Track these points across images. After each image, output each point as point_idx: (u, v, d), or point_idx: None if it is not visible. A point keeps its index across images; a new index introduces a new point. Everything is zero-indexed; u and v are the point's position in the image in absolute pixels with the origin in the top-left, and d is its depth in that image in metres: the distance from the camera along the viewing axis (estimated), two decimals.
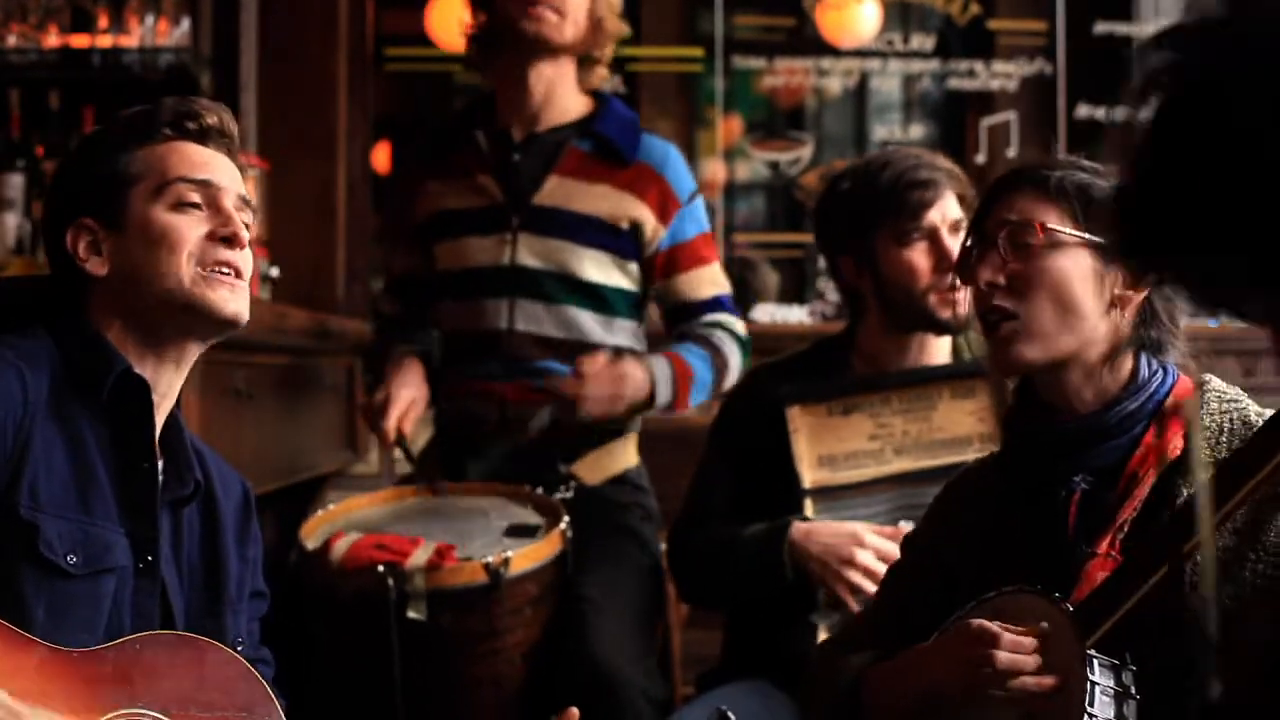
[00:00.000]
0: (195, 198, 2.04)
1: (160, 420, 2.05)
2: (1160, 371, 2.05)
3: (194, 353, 2.08)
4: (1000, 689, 1.87)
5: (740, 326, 3.25)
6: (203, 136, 2.10)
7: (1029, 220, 2.03)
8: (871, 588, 2.67)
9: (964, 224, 2.81)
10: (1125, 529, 1.95)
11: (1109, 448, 2.02)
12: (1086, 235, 2.02)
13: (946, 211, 2.80)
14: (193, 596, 2.07)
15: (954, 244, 2.79)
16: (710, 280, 3.22)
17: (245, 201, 2.09)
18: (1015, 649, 1.87)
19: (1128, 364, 2.04)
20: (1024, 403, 2.12)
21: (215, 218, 2.05)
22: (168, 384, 2.06)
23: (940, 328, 2.84)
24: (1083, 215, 2.02)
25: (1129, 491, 1.98)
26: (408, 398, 3.10)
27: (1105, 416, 2.02)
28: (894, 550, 2.69)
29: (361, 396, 4.50)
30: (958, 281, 2.19)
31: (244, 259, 2.05)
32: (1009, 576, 1.96)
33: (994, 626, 1.88)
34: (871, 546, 2.70)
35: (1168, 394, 2.04)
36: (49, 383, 1.95)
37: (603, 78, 3.29)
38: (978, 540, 2.09)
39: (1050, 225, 2.01)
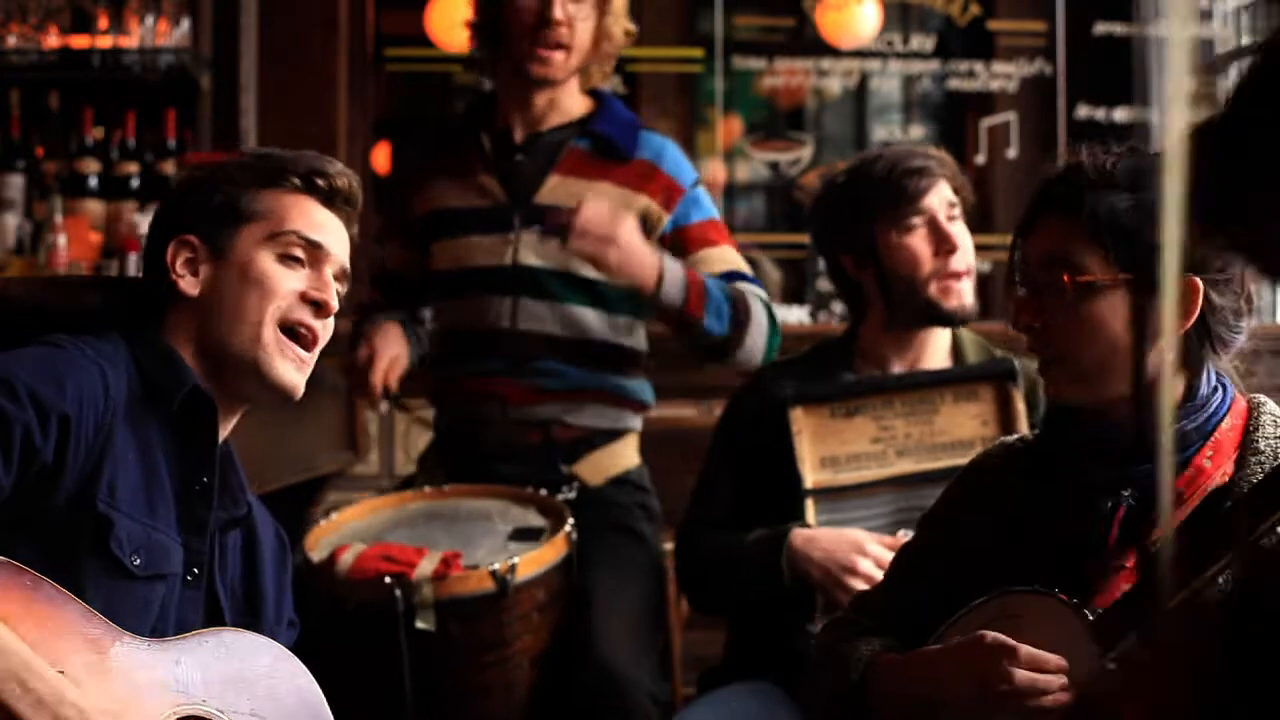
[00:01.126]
0: (301, 255, 2.10)
1: (220, 439, 2.10)
2: (1219, 390, 2.01)
3: (251, 399, 2.13)
4: (1016, 707, 1.85)
5: (765, 295, 3.15)
6: (329, 197, 2.15)
7: (1059, 264, 1.97)
8: None
9: (959, 210, 2.83)
10: (1155, 546, 1.92)
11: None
12: (1118, 276, 1.95)
13: (943, 196, 2.82)
14: (235, 616, 2.12)
15: (952, 228, 2.81)
16: (722, 259, 3.15)
17: (346, 273, 2.16)
18: (1034, 665, 1.85)
19: (1183, 381, 1.99)
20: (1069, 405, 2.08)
21: (313, 279, 2.11)
22: (226, 410, 2.11)
23: (944, 319, 2.84)
24: (1115, 251, 1.95)
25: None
26: (390, 354, 3.10)
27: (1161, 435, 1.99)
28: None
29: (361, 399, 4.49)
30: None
31: (325, 327, 2.12)
32: (1026, 573, 1.94)
33: (1011, 641, 1.86)
34: (873, 555, 2.70)
35: (1225, 415, 2.00)
36: (126, 386, 1.99)
37: (605, 76, 3.28)
38: (999, 530, 2.06)
39: (1078, 271, 1.96)
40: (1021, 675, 1.84)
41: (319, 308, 2.09)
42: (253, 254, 2.08)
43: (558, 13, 3.08)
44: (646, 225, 3.12)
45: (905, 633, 2.08)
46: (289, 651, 2.07)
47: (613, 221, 2.90)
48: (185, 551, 2.03)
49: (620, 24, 3.21)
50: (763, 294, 3.14)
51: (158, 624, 1.98)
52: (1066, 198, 2.00)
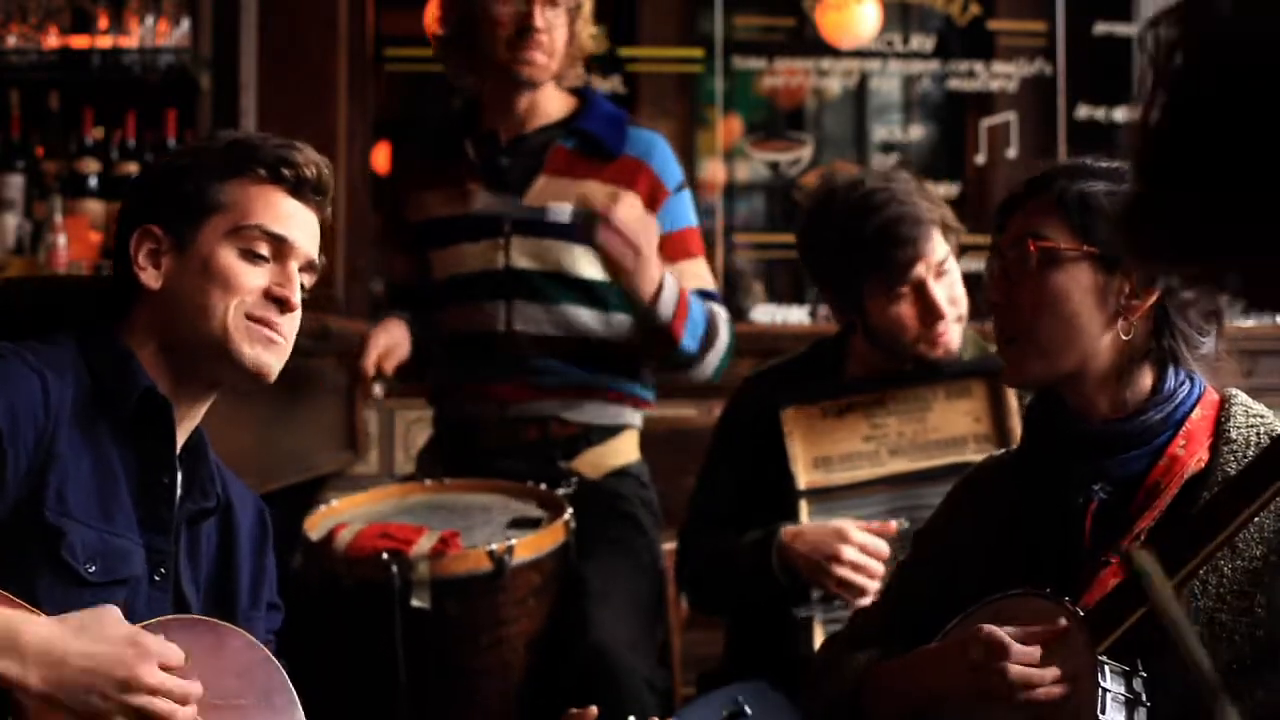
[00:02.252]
0: (265, 250, 2.05)
1: (182, 438, 2.06)
2: (1187, 383, 2.02)
3: (221, 386, 2.10)
4: (1009, 699, 1.86)
5: (727, 317, 3.21)
6: (296, 187, 2.09)
7: (1026, 237, 2.01)
8: (860, 580, 2.68)
9: (950, 259, 2.79)
10: (1142, 538, 1.93)
11: (1130, 458, 1.99)
12: (1083, 248, 1.98)
13: (932, 258, 2.76)
14: (206, 607, 2.08)
15: (940, 289, 2.76)
16: (694, 274, 3.19)
17: (313, 265, 2.10)
18: (1025, 660, 1.86)
19: (1149, 375, 2.01)
20: (1046, 402, 2.09)
21: (277, 274, 2.05)
22: (192, 403, 2.07)
23: (928, 368, 2.83)
24: (1082, 226, 1.99)
25: (1149, 502, 1.96)
26: (386, 341, 3.13)
27: (1126, 426, 2.00)
28: (881, 545, 2.70)
29: (362, 399, 4.50)
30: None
31: (290, 322, 2.06)
32: (1019, 578, 1.95)
33: (1004, 635, 1.87)
34: (856, 542, 2.71)
35: (1194, 406, 2.01)
36: (74, 391, 1.95)
37: (577, 77, 3.28)
38: (989, 539, 2.08)
39: (1043, 241, 1.99)
40: (1014, 670, 1.85)
41: (281, 303, 2.04)
42: (214, 249, 2.03)
43: (539, 21, 3.11)
44: None
45: (904, 646, 2.08)
46: (251, 639, 2.01)
47: (645, 229, 2.96)
48: (148, 552, 1.99)
49: (589, 27, 3.23)
50: (725, 314, 3.19)
51: None
52: (1039, 185, 2.04)
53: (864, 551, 2.70)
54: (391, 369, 3.14)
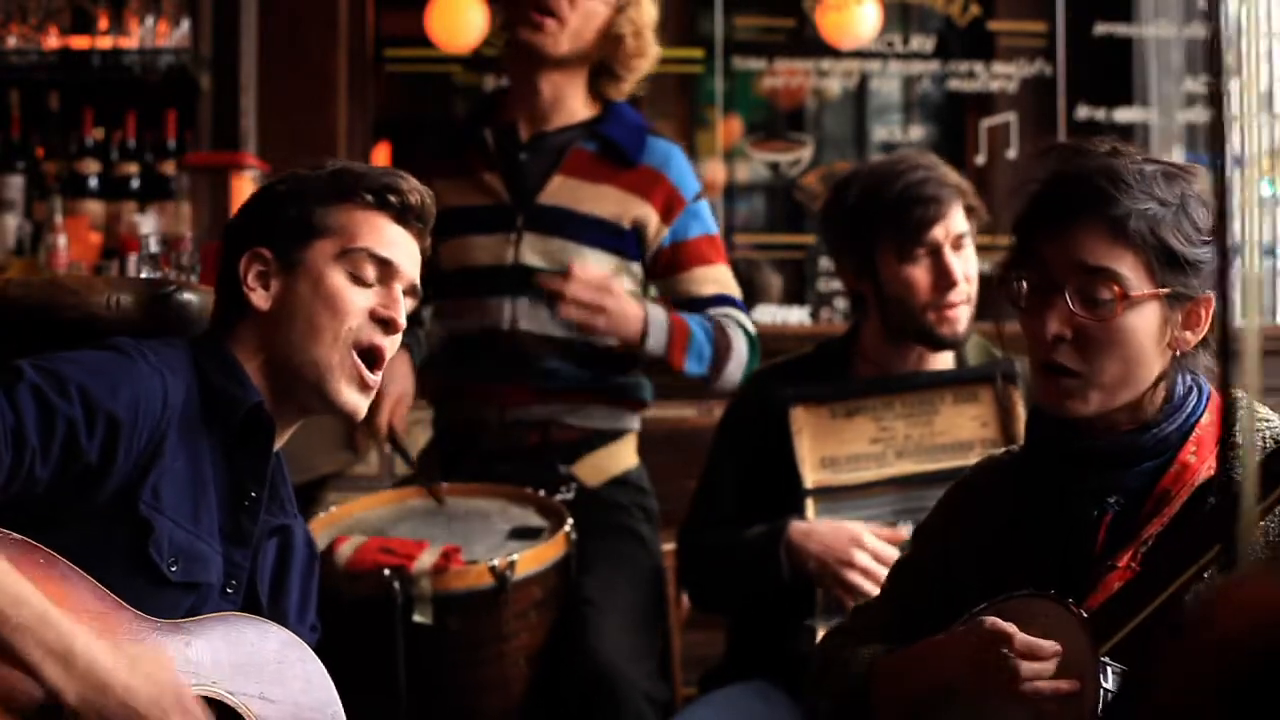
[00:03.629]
0: (371, 274, 2.11)
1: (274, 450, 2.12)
2: (1194, 388, 2.01)
3: (313, 413, 2.15)
4: (1013, 688, 1.86)
5: (749, 323, 3.18)
6: (401, 214, 2.15)
7: (1104, 275, 1.93)
8: (869, 588, 2.68)
9: (967, 238, 2.80)
10: (1149, 543, 1.93)
11: (1144, 469, 1.98)
12: (1159, 291, 1.93)
13: (951, 227, 2.80)
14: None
15: (955, 260, 2.79)
16: (714, 279, 3.17)
17: (415, 289, 2.16)
18: (1030, 651, 1.86)
19: (1164, 384, 2.00)
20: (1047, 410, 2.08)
21: (382, 297, 2.11)
22: (285, 423, 2.13)
23: (937, 344, 2.83)
24: (1156, 264, 1.93)
25: (1158, 509, 1.95)
26: (395, 393, 3.10)
27: (1142, 439, 1.98)
28: (892, 552, 2.70)
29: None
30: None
31: (393, 344, 2.12)
32: (1019, 580, 1.94)
33: (1010, 627, 1.87)
34: (870, 548, 2.71)
35: (1203, 411, 2.01)
36: (185, 396, 2.00)
37: (620, 93, 3.24)
38: (992, 540, 2.07)
39: (1130, 287, 1.92)
40: (1018, 661, 1.85)
41: (388, 325, 2.10)
42: (323, 270, 2.09)
43: None
44: (642, 236, 3.12)
45: (903, 642, 2.08)
46: (297, 638, 2.07)
47: (600, 290, 2.96)
48: (225, 563, 2.03)
49: (637, 33, 3.16)
50: (746, 321, 3.17)
51: None
52: (1104, 203, 1.94)
53: (876, 559, 2.70)
54: (403, 423, 3.12)
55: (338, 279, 2.09)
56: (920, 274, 2.79)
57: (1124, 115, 5.85)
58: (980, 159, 5.89)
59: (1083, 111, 5.84)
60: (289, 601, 2.17)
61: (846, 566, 2.70)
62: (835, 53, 5.88)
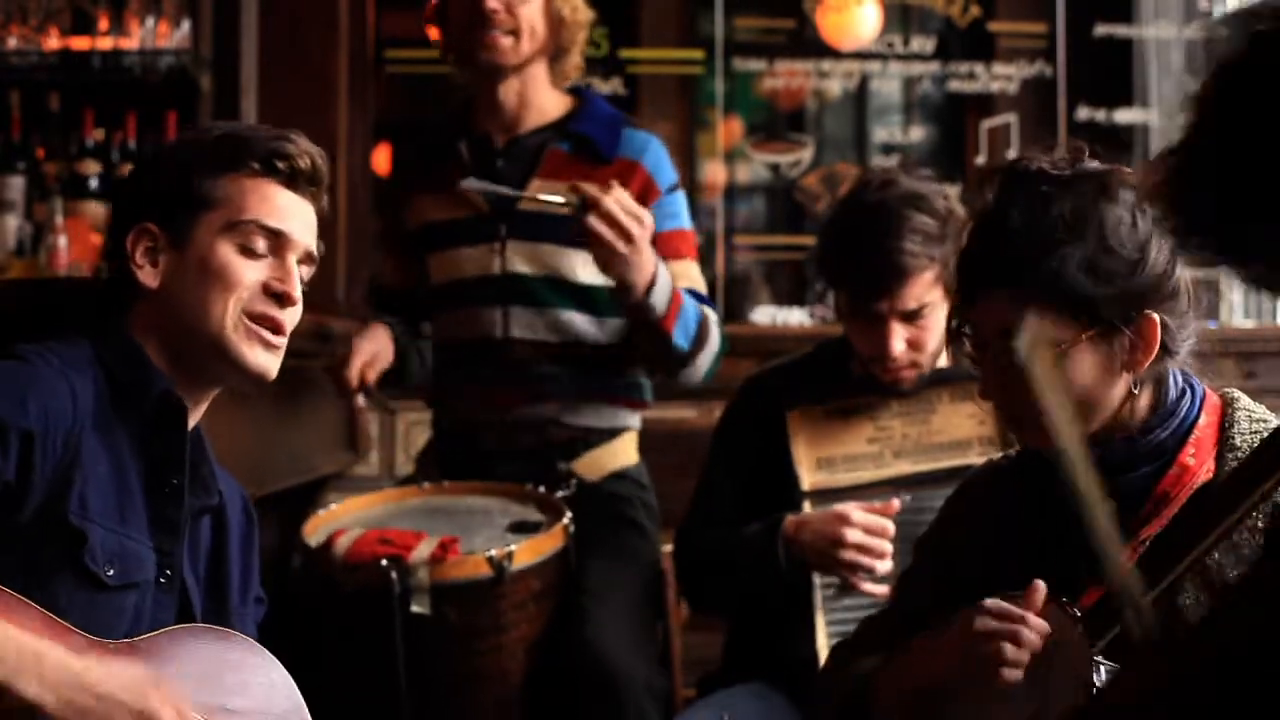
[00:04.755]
0: (262, 245, 2.04)
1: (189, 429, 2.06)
2: (1187, 391, 2.01)
3: (221, 385, 2.09)
4: (998, 679, 1.85)
5: (717, 319, 3.15)
6: (291, 179, 2.07)
7: (1013, 336, 1.93)
8: (866, 561, 2.68)
9: (929, 308, 2.74)
10: (1145, 543, 1.93)
11: (1141, 474, 1.99)
12: (1082, 335, 1.93)
13: (899, 303, 2.73)
14: (201, 604, 2.08)
15: (898, 331, 2.74)
16: (683, 274, 3.13)
17: (311, 256, 2.09)
18: (1002, 615, 1.85)
19: (1149, 392, 2.00)
20: None
21: (276, 269, 2.04)
22: (195, 401, 2.06)
23: (881, 389, 2.83)
24: (1071, 307, 1.93)
25: (1157, 511, 1.95)
26: (369, 349, 3.10)
27: (1138, 445, 1.99)
28: (885, 523, 2.70)
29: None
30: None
31: (290, 316, 2.05)
32: (1021, 584, 1.94)
33: (985, 602, 1.87)
34: (859, 523, 2.71)
35: (1199, 413, 2.01)
36: (93, 393, 1.94)
37: (577, 67, 3.23)
38: (992, 544, 2.08)
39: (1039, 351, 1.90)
40: (989, 624, 1.85)
41: (281, 298, 2.03)
42: (212, 245, 2.01)
43: (489, 1, 3.06)
44: None
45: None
46: (257, 644, 2.02)
47: (638, 217, 2.85)
48: (157, 554, 1.99)
49: (574, 6, 3.15)
50: (715, 317, 3.13)
51: (131, 629, 1.94)
52: (1006, 271, 1.95)
53: (867, 531, 2.71)
54: (374, 378, 3.11)
55: (226, 253, 2.01)
56: (862, 335, 2.79)
57: (1124, 116, 5.84)
58: (981, 160, 5.89)
59: (1083, 112, 5.84)
60: (230, 580, 2.13)
61: (839, 546, 2.71)
62: (835, 54, 5.88)
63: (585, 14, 3.20)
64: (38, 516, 1.86)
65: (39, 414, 1.85)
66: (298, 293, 2.05)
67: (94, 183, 4.53)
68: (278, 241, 2.04)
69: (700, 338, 3.04)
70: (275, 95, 4.84)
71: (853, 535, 2.70)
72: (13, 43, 4.58)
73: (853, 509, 2.73)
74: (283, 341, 2.05)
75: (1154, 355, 1.96)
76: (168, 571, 2.00)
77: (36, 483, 1.85)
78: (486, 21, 3.07)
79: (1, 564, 1.80)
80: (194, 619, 2.04)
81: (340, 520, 2.93)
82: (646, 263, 2.89)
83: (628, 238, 2.83)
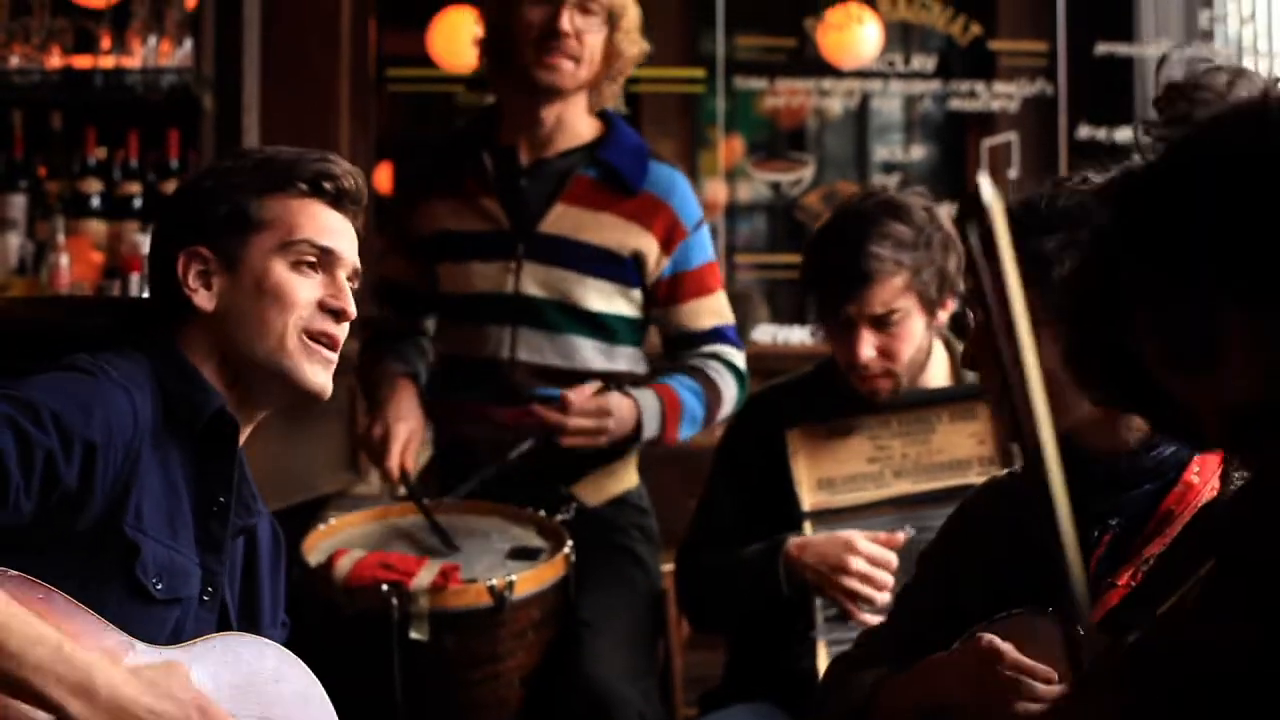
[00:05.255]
0: (314, 261, 2.08)
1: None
2: None
3: (276, 405, 2.13)
4: (1011, 708, 1.85)
5: (739, 359, 3.20)
6: (336, 200, 2.12)
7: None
8: (867, 591, 2.68)
9: (900, 314, 2.76)
10: (1149, 562, 1.93)
11: (1144, 491, 1.98)
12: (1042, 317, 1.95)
13: (868, 306, 2.74)
14: (237, 626, 2.11)
15: (867, 338, 2.75)
16: (711, 310, 3.18)
17: (357, 273, 2.13)
18: (1019, 670, 1.85)
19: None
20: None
21: (328, 286, 2.08)
22: (245, 422, 2.10)
23: (861, 402, 2.83)
24: (1042, 290, 1.87)
25: (1160, 529, 1.95)
26: (405, 431, 3.08)
27: (1141, 461, 1.98)
28: (888, 556, 2.70)
29: (361, 419, 4.49)
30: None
31: (344, 331, 2.09)
32: (1021, 600, 1.94)
33: (1005, 646, 1.87)
34: (864, 553, 2.71)
35: None
36: (151, 408, 1.97)
37: (614, 95, 3.24)
38: (994, 561, 2.07)
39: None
40: (1008, 678, 1.84)
41: (338, 315, 2.07)
42: (266, 265, 2.05)
43: (565, 24, 3.06)
44: (642, 266, 3.11)
45: (909, 666, 2.08)
46: (291, 654, 2.05)
47: (598, 414, 3.00)
48: (202, 571, 2.02)
49: (633, 41, 3.17)
50: (736, 357, 3.19)
51: (171, 643, 1.96)
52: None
53: (871, 562, 2.70)
54: (413, 461, 3.10)
55: (281, 272, 2.05)
56: (835, 341, 2.81)
57: (1125, 135, 5.85)
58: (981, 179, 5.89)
59: (1084, 131, 5.84)
60: (262, 601, 2.16)
61: (842, 573, 2.70)
62: (837, 72, 5.89)
63: (642, 48, 3.21)
64: (94, 525, 1.89)
65: (102, 426, 1.88)
66: (353, 308, 2.09)
67: (96, 201, 4.53)
68: (328, 259, 2.09)
69: (710, 412, 3.14)
70: (277, 114, 4.85)
71: (857, 564, 2.70)
72: (15, 61, 4.58)
73: (859, 537, 2.72)
74: (336, 359, 2.09)
75: None
76: (210, 589, 2.03)
77: (96, 492, 1.88)
78: (557, 42, 3.07)
79: (56, 569, 1.83)
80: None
81: (340, 537, 2.92)
82: (626, 423, 3.03)
83: (601, 432, 3.01)
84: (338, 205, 2.12)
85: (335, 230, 2.10)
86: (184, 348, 2.06)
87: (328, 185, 2.10)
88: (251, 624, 2.13)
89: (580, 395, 3.01)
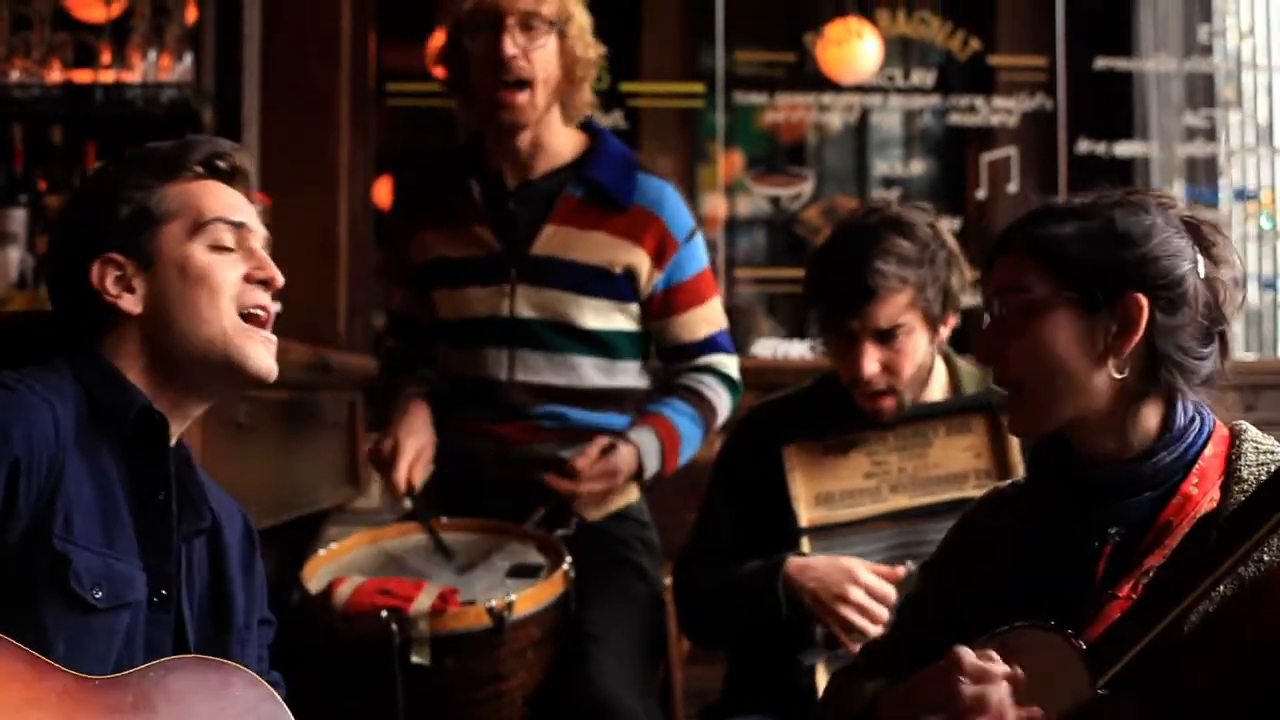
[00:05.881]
0: (230, 240, 2.05)
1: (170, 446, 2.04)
2: (1197, 419, 2.00)
3: (215, 397, 2.10)
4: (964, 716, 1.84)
5: (733, 367, 3.22)
6: (232, 177, 2.10)
7: (1007, 290, 1.99)
8: (862, 624, 2.67)
9: (903, 330, 2.76)
10: (1150, 574, 1.92)
11: (1144, 500, 1.98)
12: (1061, 293, 1.96)
13: (872, 321, 2.73)
14: (203, 628, 2.06)
15: (871, 352, 2.74)
16: (705, 319, 3.18)
17: (268, 242, 2.10)
18: (979, 677, 1.84)
19: (1155, 414, 1.98)
20: (1051, 443, 2.07)
21: (249, 260, 2.05)
22: (182, 419, 2.06)
23: (863, 419, 2.82)
24: (1059, 271, 1.96)
25: (1160, 540, 1.94)
26: (415, 446, 3.08)
27: (1141, 468, 1.97)
28: (888, 590, 2.69)
29: (364, 433, 4.49)
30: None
31: (276, 304, 2.07)
32: (1024, 612, 1.94)
33: (965, 652, 1.86)
34: (865, 584, 2.70)
35: (1205, 444, 1.99)
36: (75, 416, 1.94)
37: (588, 104, 3.21)
38: (996, 573, 2.07)
39: (1021, 292, 1.97)
40: (967, 688, 1.83)
41: (266, 284, 2.05)
42: (184, 253, 2.02)
43: (508, 48, 3.02)
44: (635, 281, 3.11)
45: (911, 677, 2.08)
46: (254, 676, 1.98)
47: (606, 475, 3.04)
48: (149, 574, 1.97)
49: (587, 45, 3.13)
50: (729, 365, 3.22)
51: (124, 651, 1.93)
52: (1010, 236, 2.02)
53: (870, 595, 2.69)
54: (421, 478, 3.10)
55: (201, 256, 2.02)
56: (838, 356, 2.80)
57: (1124, 149, 5.86)
58: (981, 193, 5.90)
59: (1083, 145, 5.86)
60: (233, 602, 2.11)
61: (841, 601, 2.69)
62: (836, 87, 5.90)
63: (597, 50, 3.17)
64: (23, 542, 1.85)
65: (23, 441, 1.85)
66: (279, 276, 2.07)
67: None
68: (242, 234, 2.06)
69: (706, 434, 3.19)
70: (277, 128, 4.86)
71: (856, 594, 2.69)
72: (15, 75, 4.59)
73: (861, 568, 2.71)
74: (275, 340, 2.06)
75: (1136, 340, 1.94)
76: (162, 591, 1.99)
77: (21, 509, 1.85)
78: (504, 69, 3.03)
79: None
80: (188, 641, 2.02)
81: (339, 563, 2.92)
82: (628, 472, 3.08)
83: (610, 491, 3.09)
84: (233, 181, 2.10)
85: (240, 205, 2.08)
86: (107, 352, 2.02)
87: (221, 164, 2.09)
88: (222, 628, 2.08)
89: (588, 461, 3.02)
